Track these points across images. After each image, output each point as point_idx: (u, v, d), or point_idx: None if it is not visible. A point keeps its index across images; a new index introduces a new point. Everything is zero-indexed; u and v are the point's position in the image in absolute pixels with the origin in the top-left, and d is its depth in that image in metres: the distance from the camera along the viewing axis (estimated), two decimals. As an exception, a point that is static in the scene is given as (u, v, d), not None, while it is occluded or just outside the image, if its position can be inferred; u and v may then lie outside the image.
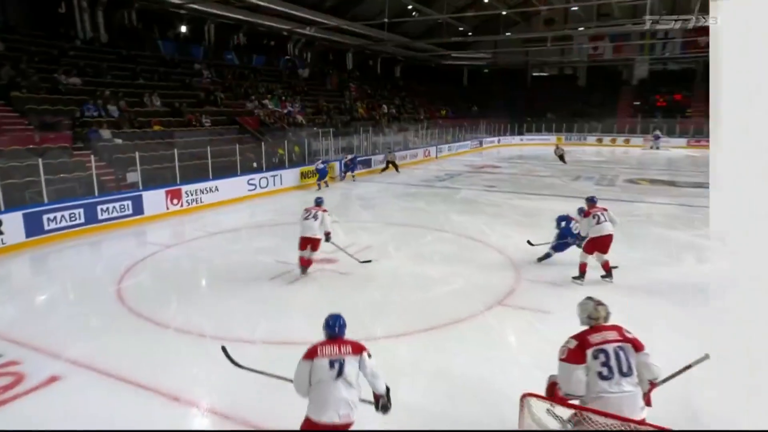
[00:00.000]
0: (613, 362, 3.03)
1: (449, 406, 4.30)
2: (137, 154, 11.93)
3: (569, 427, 3.10)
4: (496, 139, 35.16)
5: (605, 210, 7.23)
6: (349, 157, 18.64)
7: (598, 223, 7.03)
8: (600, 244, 7.04)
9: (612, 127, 36.01)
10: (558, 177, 19.46)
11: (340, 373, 3.14)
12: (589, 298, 3.37)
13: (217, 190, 13.51)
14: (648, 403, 3.16)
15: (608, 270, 7.19)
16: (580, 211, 7.67)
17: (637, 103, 38.08)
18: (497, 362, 5.02)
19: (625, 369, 3.03)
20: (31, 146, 11.83)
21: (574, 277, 7.25)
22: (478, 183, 18.16)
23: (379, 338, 5.63)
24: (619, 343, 3.09)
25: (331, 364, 3.17)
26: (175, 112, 17.16)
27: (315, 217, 7.51)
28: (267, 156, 16.11)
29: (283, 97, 23.05)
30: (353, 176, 18.43)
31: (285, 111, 22.02)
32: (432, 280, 7.55)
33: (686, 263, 8.55)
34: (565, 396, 3.12)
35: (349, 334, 5.66)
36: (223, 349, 4.22)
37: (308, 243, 7.51)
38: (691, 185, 17.19)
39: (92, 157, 11.34)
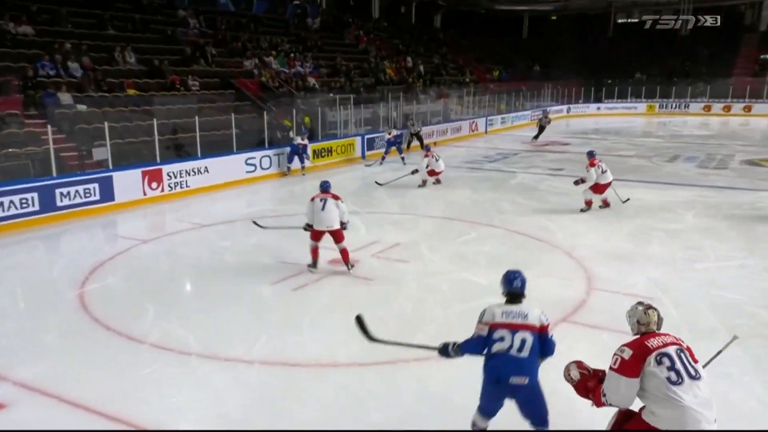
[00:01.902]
0: (679, 365, 3.26)
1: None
2: (106, 125, 12.19)
3: None
4: (564, 108, 34.70)
5: (601, 161, 11.50)
6: (395, 133, 18.50)
7: (603, 172, 11.36)
8: (602, 188, 11.40)
9: (726, 90, 34.72)
10: (647, 158, 19.08)
11: None
12: (639, 303, 3.64)
13: (207, 171, 13.72)
14: None
15: (589, 205, 11.57)
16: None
17: (766, 56, 36.62)
18: (560, 397, 4.93)
19: (693, 372, 3.27)
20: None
21: (582, 209, 11.49)
22: (540, 165, 17.93)
23: (410, 361, 5.61)
24: (678, 347, 3.36)
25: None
26: (154, 72, 17.48)
27: (334, 205, 8.01)
28: (270, 129, 16.26)
29: (291, 54, 23.21)
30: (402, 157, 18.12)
31: (293, 72, 22.18)
32: (477, 289, 7.45)
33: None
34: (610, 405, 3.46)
35: (367, 355, 5.73)
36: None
37: (326, 234, 7.97)
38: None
39: (49, 128, 11.59)
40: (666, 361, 3.27)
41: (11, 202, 10.37)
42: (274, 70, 21.47)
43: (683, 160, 18.52)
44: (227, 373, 5.45)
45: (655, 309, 3.55)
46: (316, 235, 8.00)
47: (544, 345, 3.94)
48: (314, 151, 17.13)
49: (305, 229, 8.14)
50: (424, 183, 14.07)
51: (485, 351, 3.94)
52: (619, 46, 40.06)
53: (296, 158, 15.62)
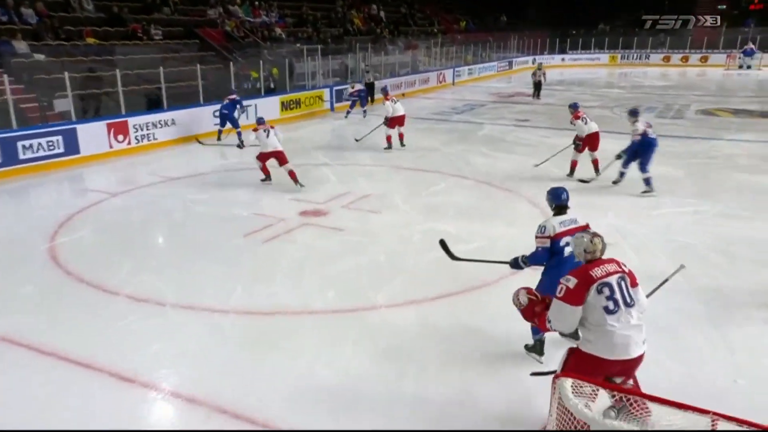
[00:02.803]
0: (617, 295, 3.42)
1: (463, 392, 4.42)
2: (66, 75, 11.77)
3: (612, 415, 3.31)
4: (530, 59, 34.56)
5: (585, 114, 10.59)
6: (358, 87, 18.08)
7: (586, 123, 10.33)
8: (591, 142, 10.34)
9: (685, 41, 35.05)
10: (609, 108, 19.27)
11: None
12: (585, 232, 3.79)
13: (174, 123, 13.42)
14: None
15: (597, 167, 10.34)
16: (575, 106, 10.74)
17: (722, 6, 36.97)
18: (526, 337, 5.13)
19: (628, 300, 3.45)
20: None
21: (567, 174, 10.53)
22: (507, 116, 18.00)
23: (381, 307, 5.74)
24: (620, 275, 3.50)
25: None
26: (114, 19, 16.82)
27: (275, 133, 9.76)
28: (237, 80, 15.92)
29: (256, 2, 22.52)
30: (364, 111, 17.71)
31: (258, 21, 21.56)
32: (447, 237, 7.55)
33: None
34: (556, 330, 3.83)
35: (341, 302, 5.81)
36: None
37: (273, 156, 9.73)
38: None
39: (5, 78, 11.23)
40: (606, 291, 3.42)
41: (-29, 155, 10.08)
42: (239, 19, 20.84)
43: (643, 111, 18.65)
44: (203, 323, 5.49)
45: (600, 237, 3.66)
46: (264, 157, 9.78)
47: None
48: (282, 103, 16.87)
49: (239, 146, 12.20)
50: (390, 145, 12.96)
51: (548, 260, 4.61)
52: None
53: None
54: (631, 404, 3.15)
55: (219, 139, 13.78)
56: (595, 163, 10.33)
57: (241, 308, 5.76)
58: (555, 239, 4.55)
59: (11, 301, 5.98)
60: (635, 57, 35.47)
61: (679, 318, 5.40)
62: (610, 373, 3.48)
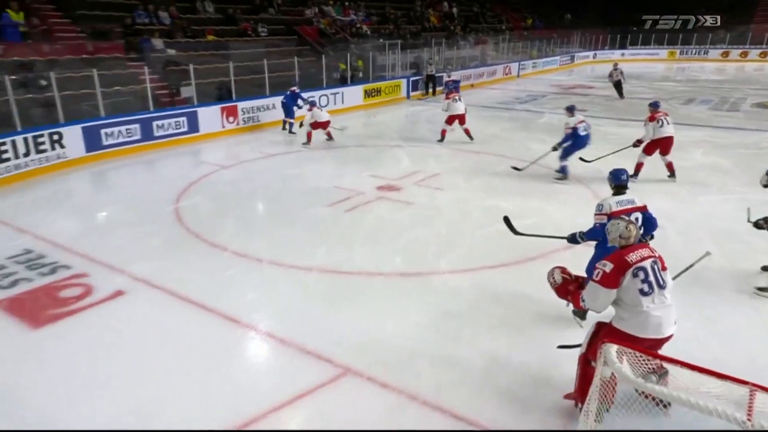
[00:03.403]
0: (651, 278, 3.31)
1: (507, 353, 4.42)
2: (191, 67, 12.30)
3: (654, 379, 3.19)
4: (591, 53, 32.90)
5: (667, 115, 8.75)
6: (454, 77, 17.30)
7: (661, 126, 8.60)
8: (663, 145, 8.73)
9: (745, 37, 32.11)
10: (665, 100, 18.12)
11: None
12: (620, 219, 3.61)
13: (274, 107, 13.77)
14: None
15: (672, 170, 8.94)
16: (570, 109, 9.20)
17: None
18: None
19: (661, 282, 3.34)
20: (84, 56, 12.49)
21: (630, 176, 7.79)
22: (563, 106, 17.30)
23: (443, 273, 5.78)
24: (653, 259, 3.38)
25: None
26: (229, 19, 17.32)
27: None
28: (328, 71, 16.09)
29: (346, 3, 22.55)
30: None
31: (348, 20, 21.61)
32: (503, 213, 7.50)
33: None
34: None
35: (407, 267, 5.87)
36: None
37: (323, 126, 11.41)
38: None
39: (146, 69, 11.84)
40: (641, 275, 3.30)
41: (119, 131, 10.80)
42: (332, 18, 20.96)
43: (697, 103, 17.58)
44: (291, 278, 5.72)
45: (635, 223, 3.56)
46: (317, 126, 11.50)
47: (648, 219, 4.61)
48: (365, 91, 16.93)
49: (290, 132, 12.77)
50: (442, 138, 11.98)
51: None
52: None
53: None
54: (663, 374, 3.04)
55: (284, 128, 13.24)
56: (668, 166, 8.95)
57: (323, 267, 5.94)
58: (611, 217, 4.37)
59: (144, 249, 6.44)
60: (693, 53, 32.98)
61: (719, 298, 5.15)
62: (652, 346, 3.34)
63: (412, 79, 18.90)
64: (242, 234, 6.90)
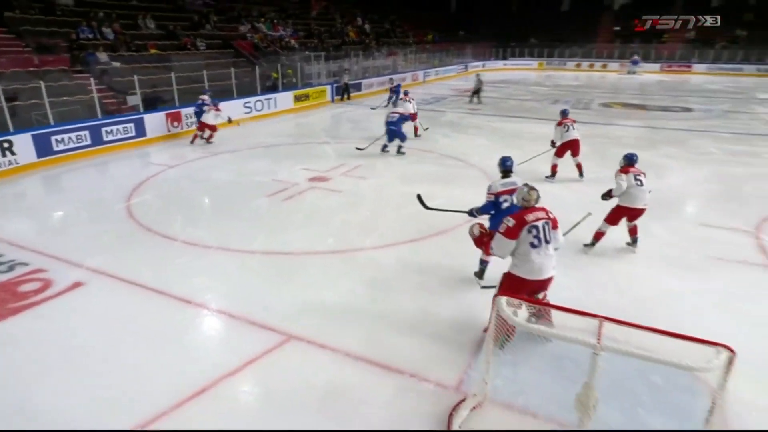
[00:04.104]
0: (541, 235, 3.57)
1: (430, 307, 4.51)
2: (136, 78, 11.37)
3: (533, 321, 3.42)
4: (481, 63, 33.83)
5: (574, 121, 8.58)
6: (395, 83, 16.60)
7: (567, 131, 8.40)
8: (571, 148, 8.43)
9: (591, 52, 34.63)
10: (538, 101, 19.06)
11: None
12: (525, 185, 3.83)
13: (218, 110, 13.01)
14: None
15: (581, 170, 8.62)
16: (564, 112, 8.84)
17: (617, 28, 36.44)
18: (475, 265, 5.22)
19: (548, 239, 3.61)
20: (31, 69, 11.22)
21: (547, 177, 8.54)
22: (463, 107, 17.75)
23: (369, 249, 5.77)
24: (546, 220, 3.63)
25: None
26: (169, 35, 16.15)
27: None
28: (261, 79, 15.47)
29: (275, 21, 21.70)
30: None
31: (277, 35, 20.82)
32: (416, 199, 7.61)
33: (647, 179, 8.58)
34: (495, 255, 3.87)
35: (338, 245, 5.80)
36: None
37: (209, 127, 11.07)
38: (658, 108, 17.00)
39: (92, 80, 10.81)
40: (534, 231, 3.56)
41: (69, 138, 9.81)
42: (264, 33, 20.09)
43: (561, 103, 18.60)
44: (236, 261, 5.50)
45: (536, 190, 3.72)
46: (203, 126, 11.17)
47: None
48: (295, 96, 16.46)
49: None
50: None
51: (493, 210, 4.65)
52: (520, 18, 38.83)
53: None
54: (543, 314, 3.26)
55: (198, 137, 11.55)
56: (578, 167, 8.66)
57: (265, 250, 5.76)
58: (498, 195, 4.59)
59: (100, 244, 5.95)
60: (556, 63, 34.87)
61: (588, 257, 5.51)
62: (530, 290, 3.61)
63: (335, 85, 18.59)
64: (190, 225, 6.53)
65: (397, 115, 10.06)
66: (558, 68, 34.41)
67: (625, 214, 5.42)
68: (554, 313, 3.29)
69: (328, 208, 7.23)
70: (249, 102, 14.36)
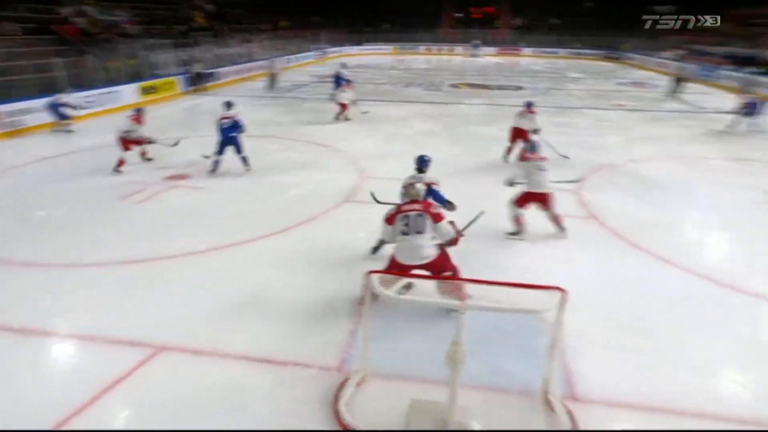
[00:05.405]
0: (412, 224, 3.86)
1: (318, 283, 4.51)
2: None
3: (403, 292, 3.65)
4: (338, 49, 33.98)
5: (531, 112, 8.55)
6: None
7: (521, 118, 8.55)
8: (521, 134, 8.39)
9: (438, 37, 37.11)
10: (393, 84, 19.81)
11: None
12: (412, 178, 4.36)
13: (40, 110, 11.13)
14: (443, 251, 4.03)
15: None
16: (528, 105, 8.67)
17: (459, 15, 39.41)
18: (349, 243, 5.32)
19: (420, 229, 3.86)
20: None
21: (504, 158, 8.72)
22: (324, 92, 17.65)
23: (247, 242, 5.52)
24: (419, 213, 3.88)
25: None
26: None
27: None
28: (100, 71, 13.55)
29: (101, 4, 19.01)
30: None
31: (110, 20, 18.32)
32: (285, 186, 7.45)
33: (492, 152, 9.51)
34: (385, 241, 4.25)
35: (219, 242, 5.44)
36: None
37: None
38: (498, 87, 18.92)
39: None
40: (405, 220, 3.90)
41: None
42: (93, 18, 17.51)
43: (415, 86, 19.60)
44: (91, 276, 4.84)
45: (416, 187, 4.11)
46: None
47: (433, 194, 4.82)
48: (142, 89, 14.79)
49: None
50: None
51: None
52: (373, 5, 39.67)
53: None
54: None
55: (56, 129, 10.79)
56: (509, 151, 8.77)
57: (125, 259, 5.12)
58: (404, 187, 4.61)
59: None
60: (408, 48, 36.56)
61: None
62: (404, 270, 3.82)
63: (186, 75, 17.09)
64: (29, 241, 5.54)
65: (229, 120, 7.76)
66: (410, 53, 36.12)
67: (530, 199, 5.51)
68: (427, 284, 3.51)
69: (192, 206, 6.71)
70: (90, 97, 12.50)
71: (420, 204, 3.96)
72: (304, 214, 6.19)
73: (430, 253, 3.87)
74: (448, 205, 4.81)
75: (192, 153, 8.66)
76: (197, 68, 17.46)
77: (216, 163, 7.91)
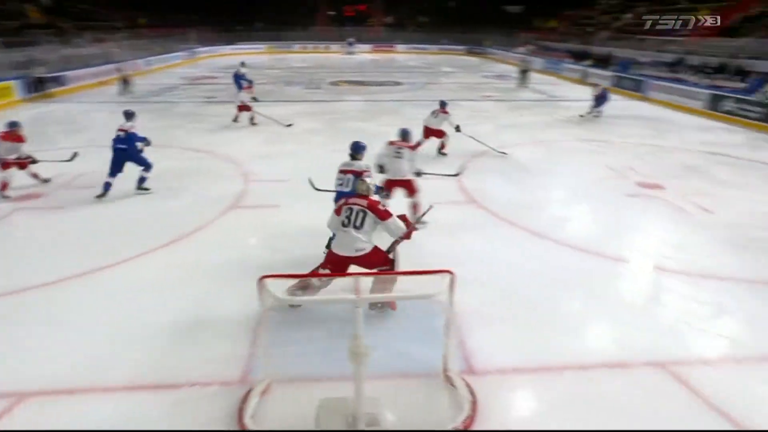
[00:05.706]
0: (352, 218, 3.89)
1: (208, 294, 4.21)
2: None
3: (298, 293, 3.64)
4: (209, 49, 32.07)
5: (443, 112, 8.87)
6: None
7: (435, 117, 8.92)
8: (436, 133, 9.02)
9: (313, 35, 36.97)
10: (273, 84, 19.30)
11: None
12: (364, 177, 4.32)
13: None
14: (389, 251, 4.01)
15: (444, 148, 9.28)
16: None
17: (332, 13, 39.63)
18: (240, 251, 5.07)
19: (358, 224, 3.88)
20: None
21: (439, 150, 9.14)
22: (198, 95, 16.61)
23: (121, 263, 4.95)
24: (363, 208, 3.90)
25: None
26: None
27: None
28: None
29: None
30: None
31: None
32: (164, 197, 6.86)
33: (374, 147, 9.70)
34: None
35: (83, 267, 4.81)
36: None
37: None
38: (376, 84, 19.43)
39: None
40: (346, 212, 3.93)
41: None
42: None
43: (295, 84, 19.31)
44: None
45: (366, 182, 4.11)
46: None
47: (352, 180, 4.76)
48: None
49: None
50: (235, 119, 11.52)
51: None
52: (243, 2, 38.04)
53: None
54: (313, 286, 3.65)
55: None
56: (442, 146, 9.20)
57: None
58: (340, 172, 4.93)
59: None
60: (283, 47, 35.85)
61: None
62: (336, 261, 3.86)
63: (26, 80, 14.76)
64: None
65: (123, 132, 6.83)
66: (285, 51, 35.50)
67: (392, 185, 5.62)
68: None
69: (48, 229, 5.85)
70: None
71: (366, 200, 3.94)
72: (188, 226, 5.76)
73: (365, 247, 3.85)
74: (380, 191, 5.03)
75: (46, 169, 7.50)
76: (39, 72, 15.21)
77: (107, 185, 6.76)
